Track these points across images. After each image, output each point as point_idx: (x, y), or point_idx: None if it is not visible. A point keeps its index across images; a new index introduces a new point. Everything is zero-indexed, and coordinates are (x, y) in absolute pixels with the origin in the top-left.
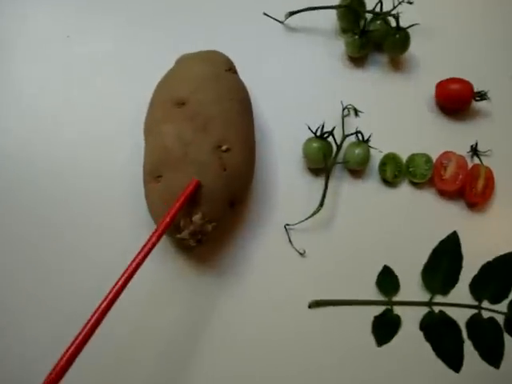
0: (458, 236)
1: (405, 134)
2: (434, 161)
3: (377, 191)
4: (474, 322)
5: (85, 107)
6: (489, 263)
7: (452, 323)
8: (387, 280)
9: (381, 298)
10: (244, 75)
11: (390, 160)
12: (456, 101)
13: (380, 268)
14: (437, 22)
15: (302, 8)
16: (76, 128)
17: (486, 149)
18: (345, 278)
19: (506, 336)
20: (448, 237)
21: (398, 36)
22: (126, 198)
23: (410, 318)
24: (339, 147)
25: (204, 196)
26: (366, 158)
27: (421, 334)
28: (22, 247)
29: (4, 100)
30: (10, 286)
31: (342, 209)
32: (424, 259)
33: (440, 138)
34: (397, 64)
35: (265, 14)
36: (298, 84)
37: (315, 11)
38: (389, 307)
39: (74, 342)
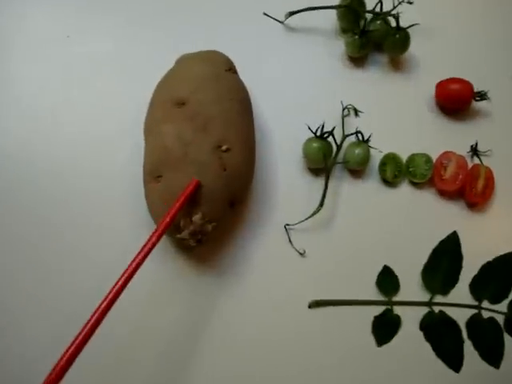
0: (457, 236)
1: (405, 134)
2: (434, 161)
3: (377, 191)
4: (474, 322)
5: (85, 107)
6: (489, 263)
7: (452, 323)
8: (387, 280)
9: (381, 297)
10: (244, 75)
11: (389, 160)
12: (456, 101)
13: (380, 268)
14: (437, 22)
15: (301, 8)
16: (76, 128)
17: (486, 149)
18: (345, 278)
19: (506, 336)
20: (448, 237)
21: (397, 36)
22: (126, 198)
23: (410, 318)
24: (339, 147)
25: (204, 196)
26: (365, 158)
27: (421, 334)
28: (22, 247)
29: (4, 100)
30: (10, 286)
31: (342, 209)
32: (424, 259)
33: (440, 138)
34: (397, 64)
35: (265, 14)
36: (298, 84)
37: (315, 11)
38: (389, 307)
39: (73, 342)
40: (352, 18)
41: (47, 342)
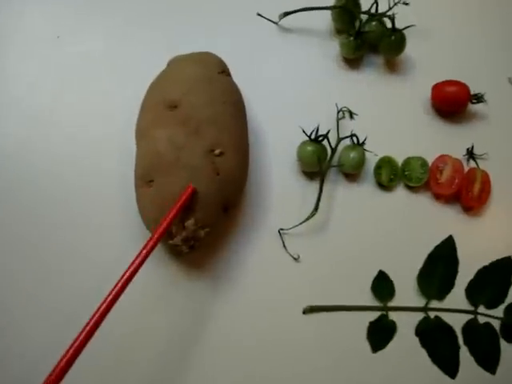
0: (453, 240)
1: (400, 137)
2: (430, 164)
3: (372, 195)
4: (470, 328)
5: (85, 107)
6: (485, 268)
7: (448, 329)
8: (382, 285)
9: (376, 303)
10: (237, 76)
11: (385, 163)
12: (452, 103)
13: (375, 273)
14: (433, 23)
15: (296, 9)
16: (76, 128)
17: (482, 152)
18: (339, 283)
19: (502, 341)
20: (443, 241)
21: (393, 37)
22: (126, 198)
23: (406, 324)
24: (334, 150)
25: (197, 201)
26: (361, 162)
27: (416, 339)
28: (21, 247)
29: (3, 100)
30: (10, 286)
31: (337, 213)
32: (420, 264)
33: (436, 141)
34: (392, 66)
35: (259, 14)
36: (293, 86)
37: (310, 12)
38: (384, 313)
39: (72, 345)
40: (347, 18)
41: (47, 343)
